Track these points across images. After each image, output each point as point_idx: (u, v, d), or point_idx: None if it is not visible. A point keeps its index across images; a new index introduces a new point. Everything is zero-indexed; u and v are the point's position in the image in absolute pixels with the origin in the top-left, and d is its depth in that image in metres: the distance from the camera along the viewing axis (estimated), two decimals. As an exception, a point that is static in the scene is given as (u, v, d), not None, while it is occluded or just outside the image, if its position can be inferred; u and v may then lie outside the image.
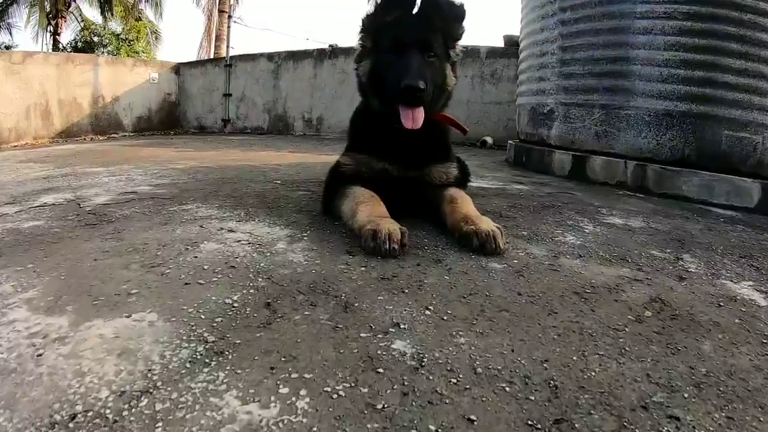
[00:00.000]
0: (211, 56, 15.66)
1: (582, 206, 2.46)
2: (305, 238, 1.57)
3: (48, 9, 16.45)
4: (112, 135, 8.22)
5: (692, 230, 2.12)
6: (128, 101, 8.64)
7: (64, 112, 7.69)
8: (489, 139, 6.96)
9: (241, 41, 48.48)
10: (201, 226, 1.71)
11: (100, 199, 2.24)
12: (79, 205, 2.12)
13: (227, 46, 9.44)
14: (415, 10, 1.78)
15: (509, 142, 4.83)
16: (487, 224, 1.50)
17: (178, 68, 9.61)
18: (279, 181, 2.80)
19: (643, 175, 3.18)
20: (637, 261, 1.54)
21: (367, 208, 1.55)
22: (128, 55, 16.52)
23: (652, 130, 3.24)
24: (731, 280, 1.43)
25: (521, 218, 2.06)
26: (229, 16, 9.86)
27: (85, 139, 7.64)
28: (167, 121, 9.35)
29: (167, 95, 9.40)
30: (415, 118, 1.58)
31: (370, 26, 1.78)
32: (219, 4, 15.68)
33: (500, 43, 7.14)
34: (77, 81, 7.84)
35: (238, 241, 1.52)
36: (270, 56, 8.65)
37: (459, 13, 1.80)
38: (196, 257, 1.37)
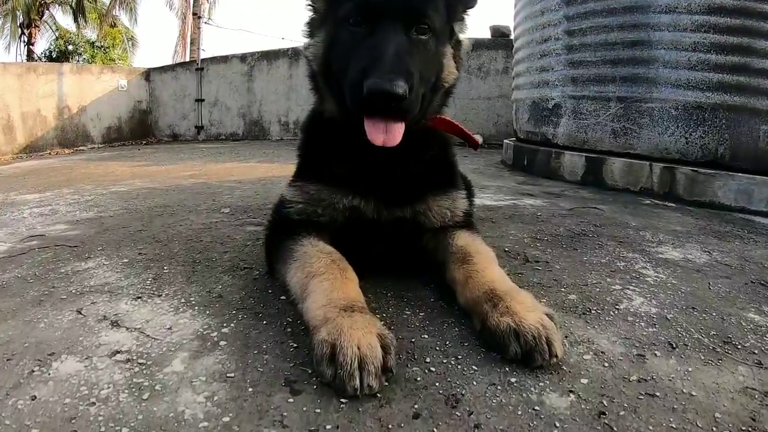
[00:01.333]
0: (187, 60, 15.13)
1: (619, 230, 1.94)
2: (223, 343, 0.94)
3: (21, 19, 15.79)
4: (80, 148, 7.52)
5: (764, 263, 1.62)
6: (96, 111, 7.91)
7: (27, 125, 6.99)
8: (479, 138, 6.44)
9: (216, 44, 46.57)
10: (78, 312, 1.10)
11: None
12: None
13: (198, 48, 8.72)
14: None
15: (506, 141, 4.30)
16: (530, 311, 0.88)
17: (148, 74, 8.89)
18: (227, 210, 2.19)
19: (671, 180, 2.69)
20: (745, 344, 1.01)
21: (323, 287, 0.94)
22: (104, 63, 15.89)
23: (681, 126, 2.76)
24: None
25: (554, 260, 1.51)
26: (199, 17, 9.10)
27: (50, 153, 7.00)
28: (138, 130, 8.64)
29: (138, 103, 8.67)
30: (389, 131, 0.98)
31: None
32: (193, 7, 14.95)
33: (486, 34, 6.62)
34: (41, 92, 7.14)
35: (116, 352, 0.90)
36: (243, 57, 8.00)
37: None
38: (28, 403, 0.76)
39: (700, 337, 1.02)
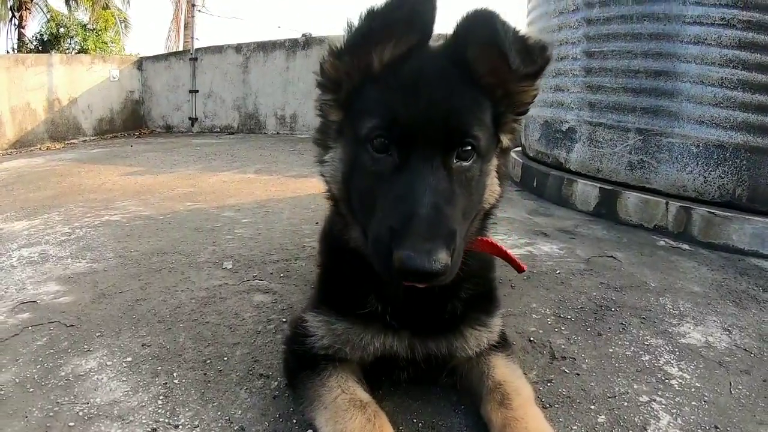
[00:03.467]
0: (181, 45, 14.70)
1: (640, 296, 1.89)
2: None
3: (11, 1, 15.24)
4: (71, 141, 7.28)
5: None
6: (87, 102, 7.63)
7: (16, 120, 6.72)
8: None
9: (210, 31, 44.48)
10: None
11: None
12: None
13: (192, 38, 8.27)
14: (436, 40, 0.91)
15: (513, 156, 4.17)
16: None
17: (140, 63, 8.53)
18: (230, 264, 2.06)
19: (687, 220, 2.63)
20: None
21: None
22: (96, 46, 15.54)
23: (700, 165, 2.66)
24: None
25: (581, 354, 1.45)
26: (193, 5, 8.53)
27: (40, 148, 6.77)
28: (131, 121, 8.35)
29: (130, 93, 8.36)
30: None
31: (338, 77, 0.93)
32: None
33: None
34: (30, 84, 6.84)
35: None
36: (238, 48, 7.63)
37: (540, 61, 0.89)
38: None
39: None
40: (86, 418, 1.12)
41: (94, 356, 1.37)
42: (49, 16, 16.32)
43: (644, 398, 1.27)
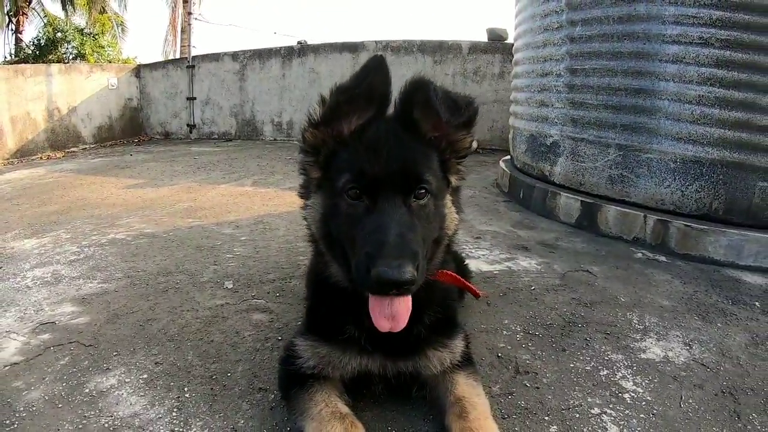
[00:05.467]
0: (178, 50, 14.87)
1: (608, 312, 2.03)
2: None
3: (8, 7, 15.27)
4: (71, 150, 7.45)
5: (740, 356, 1.73)
6: (86, 111, 7.79)
7: (17, 129, 6.89)
8: (474, 144, 6.40)
9: (207, 37, 44.51)
10: None
11: (8, 351, 1.68)
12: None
13: (189, 46, 8.40)
14: (390, 110, 1.16)
15: (501, 165, 4.29)
16: None
17: (138, 71, 8.67)
18: (230, 284, 2.23)
19: (664, 233, 2.76)
20: None
21: None
22: (93, 50, 15.53)
23: (678, 179, 2.78)
24: None
25: (543, 369, 1.60)
26: (189, 13, 8.66)
27: (41, 157, 6.96)
28: (130, 128, 8.51)
29: (128, 101, 8.52)
30: (395, 315, 1.03)
31: (317, 143, 1.15)
32: (183, 5, 14.18)
33: (483, 37, 6.40)
34: (29, 94, 7.01)
35: None
36: (234, 55, 7.78)
37: (466, 113, 1.14)
38: None
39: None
40: (111, 429, 1.29)
41: (113, 374, 1.54)
42: (46, 21, 16.41)
43: (595, 410, 1.40)
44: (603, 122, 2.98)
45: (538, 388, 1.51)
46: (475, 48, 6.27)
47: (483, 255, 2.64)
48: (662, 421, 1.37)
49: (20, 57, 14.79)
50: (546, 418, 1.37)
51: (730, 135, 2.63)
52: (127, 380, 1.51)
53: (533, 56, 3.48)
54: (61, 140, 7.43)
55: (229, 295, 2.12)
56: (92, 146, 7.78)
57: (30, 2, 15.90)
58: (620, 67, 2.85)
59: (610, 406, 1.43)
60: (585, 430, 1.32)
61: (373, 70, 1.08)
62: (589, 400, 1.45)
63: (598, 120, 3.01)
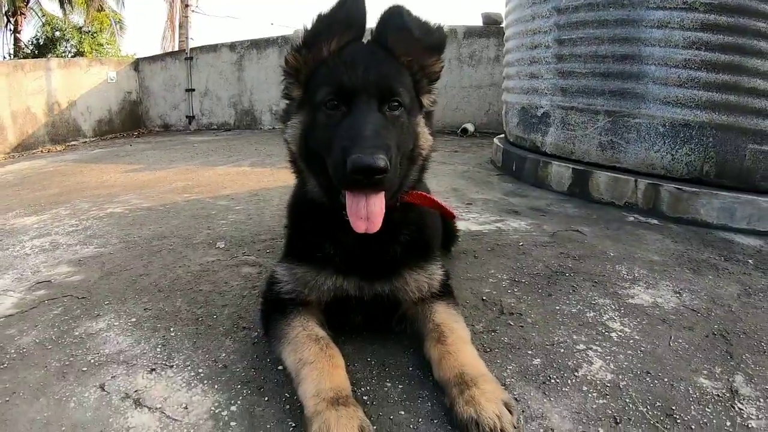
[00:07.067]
0: (176, 45, 14.88)
1: (597, 264, 2.04)
2: (233, 423, 1.07)
3: (6, 7, 15.32)
4: (71, 143, 7.52)
5: (732, 304, 1.73)
6: (86, 105, 7.88)
7: (18, 124, 6.97)
8: (470, 126, 6.45)
9: (205, 30, 44.74)
10: (102, 388, 1.22)
11: (3, 306, 1.71)
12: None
13: (187, 37, 8.49)
14: (367, 37, 1.23)
15: (495, 141, 4.31)
16: (490, 402, 1.01)
17: (137, 64, 8.76)
18: (223, 244, 2.27)
19: (656, 197, 2.77)
20: (685, 417, 1.12)
21: (313, 376, 1.06)
22: (92, 48, 15.71)
23: (667, 143, 2.80)
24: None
25: (528, 311, 1.62)
26: (187, 6, 8.73)
27: (42, 151, 7.03)
28: (129, 121, 8.59)
29: (127, 94, 8.60)
30: (370, 215, 1.05)
31: (298, 65, 1.21)
32: None
33: (478, 22, 6.44)
34: (29, 89, 7.09)
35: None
36: (232, 46, 7.83)
37: (436, 39, 1.22)
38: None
39: (644, 410, 1.15)
40: (97, 364, 1.33)
41: (103, 319, 1.58)
42: (44, 20, 16.45)
43: (581, 347, 1.41)
44: (591, 90, 3.01)
45: (522, 326, 1.52)
46: (470, 32, 6.31)
47: (473, 218, 2.66)
48: (651, 357, 1.37)
49: (19, 57, 14.89)
50: (529, 352, 1.39)
51: (717, 97, 2.64)
52: (115, 324, 1.55)
53: (523, 30, 3.51)
54: (61, 134, 7.50)
55: (220, 253, 2.15)
56: (92, 139, 7.86)
57: (28, 2, 15.95)
58: (606, 35, 2.87)
59: (597, 342, 1.44)
60: (570, 363, 1.33)
61: (352, 0, 1.17)
62: (575, 337, 1.46)
63: (586, 88, 3.03)
